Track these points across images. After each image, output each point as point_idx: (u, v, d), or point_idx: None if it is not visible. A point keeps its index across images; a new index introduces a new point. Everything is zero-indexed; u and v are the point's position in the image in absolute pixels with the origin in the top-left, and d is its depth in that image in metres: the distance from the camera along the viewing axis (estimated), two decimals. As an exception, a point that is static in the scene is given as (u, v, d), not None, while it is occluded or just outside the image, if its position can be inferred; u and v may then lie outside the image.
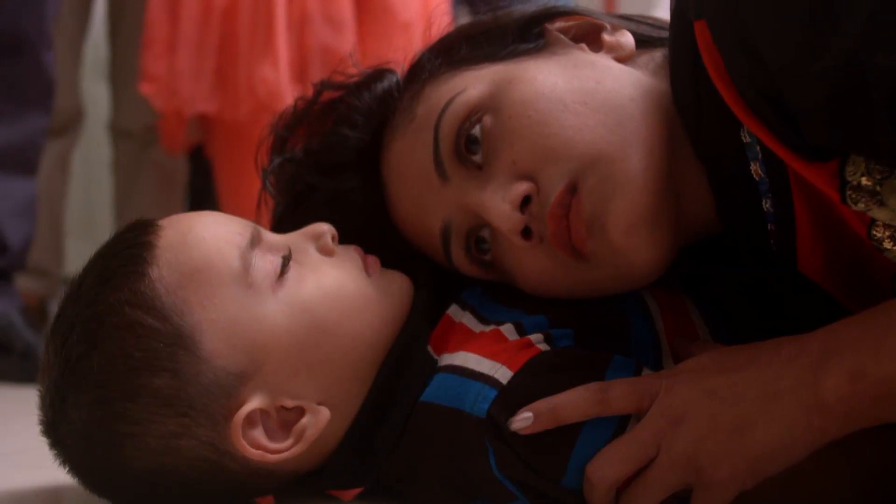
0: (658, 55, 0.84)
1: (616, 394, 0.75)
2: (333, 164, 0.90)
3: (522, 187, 0.77)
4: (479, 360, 0.78)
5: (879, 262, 0.73)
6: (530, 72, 0.81)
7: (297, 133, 0.93)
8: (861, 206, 0.67)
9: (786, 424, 0.70)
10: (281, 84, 2.07)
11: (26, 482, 0.92)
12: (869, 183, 0.67)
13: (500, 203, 0.78)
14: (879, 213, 0.67)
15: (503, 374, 0.77)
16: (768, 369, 0.71)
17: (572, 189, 0.77)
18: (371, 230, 0.89)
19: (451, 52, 0.87)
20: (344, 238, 0.86)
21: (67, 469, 0.79)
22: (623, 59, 0.83)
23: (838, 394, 0.68)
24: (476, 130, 0.80)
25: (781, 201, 0.75)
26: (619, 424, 0.75)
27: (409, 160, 0.85)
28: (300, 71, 2.11)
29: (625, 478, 0.74)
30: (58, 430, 0.78)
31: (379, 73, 0.92)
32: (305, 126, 0.93)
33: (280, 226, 0.91)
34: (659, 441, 0.73)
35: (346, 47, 2.06)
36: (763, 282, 0.86)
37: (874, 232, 0.68)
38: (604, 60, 0.82)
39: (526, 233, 0.78)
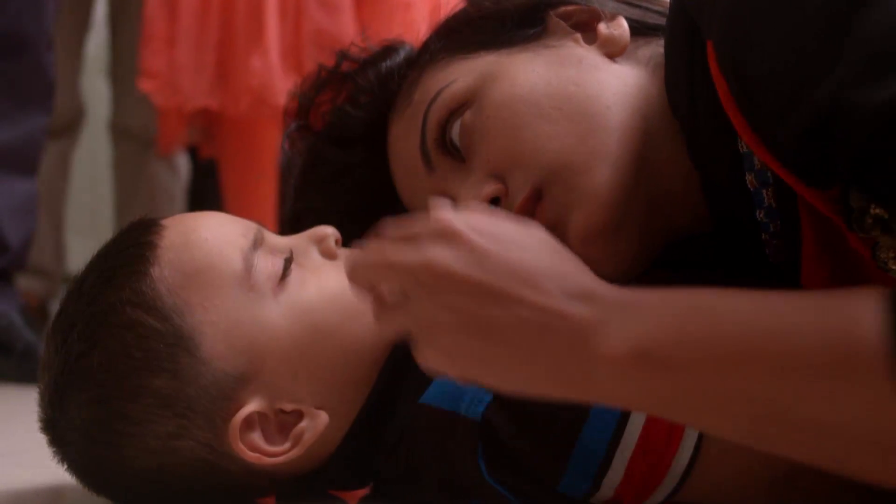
0: (660, 51, 0.84)
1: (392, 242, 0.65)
2: (342, 137, 0.92)
3: (490, 189, 0.78)
4: None
5: (883, 281, 0.72)
6: (514, 69, 0.81)
7: (318, 100, 0.94)
8: (867, 231, 0.66)
9: (532, 364, 0.61)
10: (272, 74, 2.07)
11: (26, 482, 0.92)
12: (878, 211, 0.64)
13: (470, 202, 0.78)
14: (886, 240, 0.64)
15: None
16: (557, 296, 0.61)
17: (537, 195, 0.77)
18: (377, 206, 0.89)
19: (452, 36, 0.87)
20: (354, 213, 0.86)
21: (66, 467, 0.79)
22: (616, 54, 0.82)
23: (611, 365, 0.58)
24: (456, 128, 0.81)
25: (787, 217, 0.74)
26: (617, 425, 0.75)
27: (403, 144, 0.86)
28: (296, 58, 2.10)
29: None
30: (57, 428, 0.78)
31: (385, 52, 0.93)
32: (326, 94, 0.94)
33: (296, 197, 0.92)
34: (415, 281, 0.62)
35: (343, 31, 2.06)
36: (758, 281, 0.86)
37: (879, 254, 0.66)
38: (593, 58, 0.82)
39: None
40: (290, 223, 0.94)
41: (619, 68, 0.81)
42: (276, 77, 2.06)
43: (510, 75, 0.80)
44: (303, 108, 0.95)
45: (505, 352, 0.61)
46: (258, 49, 2.07)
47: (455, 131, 0.81)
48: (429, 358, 0.63)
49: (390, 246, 0.64)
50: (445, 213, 0.63)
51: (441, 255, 0.62)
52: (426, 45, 0.89)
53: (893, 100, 0.56)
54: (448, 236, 0.62)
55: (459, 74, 0.82)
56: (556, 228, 0.76)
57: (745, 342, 0.56)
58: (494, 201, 0.78)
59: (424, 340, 0.63)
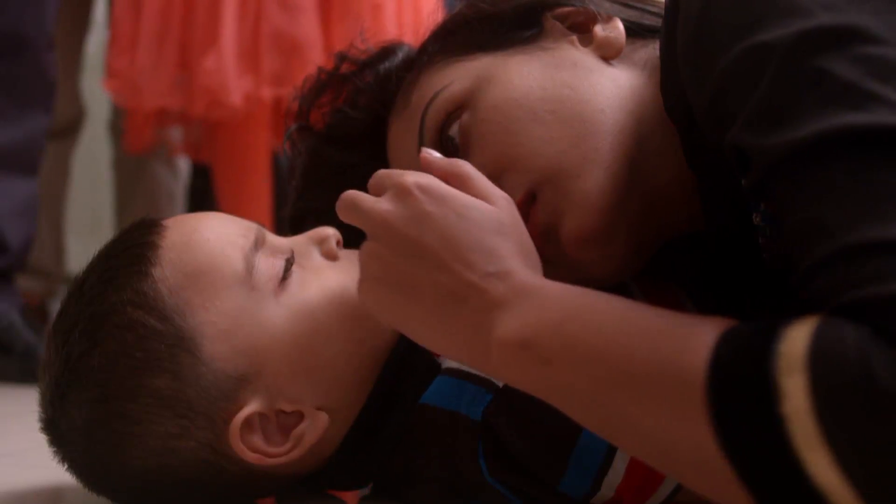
0: (657, 54, 0.84)
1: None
2: (342, 138, 0.92)
3: None
4: None
5: None
6: (510, 71, 0.81)
7: (318, 102, 0.95)
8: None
9: (443, 329, 0.66)
10: (226, 75, 2.07)
11: (26, 482, 0.92)
12: None
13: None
14: None
15: None
16: (473, 271, 0.65)
17: (530, 198, 0.78)
18: None
19: (449, 38, 0.88)
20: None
21: (66, 467, 0.79)
22: (611, 57, 0.83)
23: (501, 348, 0.63)
24: (454, 129, 0.81)
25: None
26: None
27: (401, 145, 0.87)
28: (253, 60, 2.10)
29: None
30: (57, 428, 0.78)
31: (384, 53, 0.93)
32: (326, 96, 0.95)
33: (297, 198, 0.93)
34: (367, 227, 0.70)
35: (303, 33, 2.07)
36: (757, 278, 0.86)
37: None
38: (588, 61, 0.82)
39: None
40: (292, 224, 0.95)
41: (614, 71, 0.81)
42: (230, 78, 2.06)
43: (506, 78, 0.81)
44: (303, 110, 0.95)
45: (420, 311, 0.67)
46: (211, 50, 2.08)
47: (454, 131, 0.81)
48: (363, 299, 0.71)
49: (363, 193, 0.72)
50: (408, 174, 0.70)
51: (387, 208, 0.69)
52: (424, 47, 0.90)
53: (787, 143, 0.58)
54: (402, 193, 0.69)
55: (456, 77, 0.83)
56: (550, 231, 0.78)
57: (600, 349, 0.59)
58: None
59: (362, 282, 0.71)
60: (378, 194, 0.71)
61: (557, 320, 0.62)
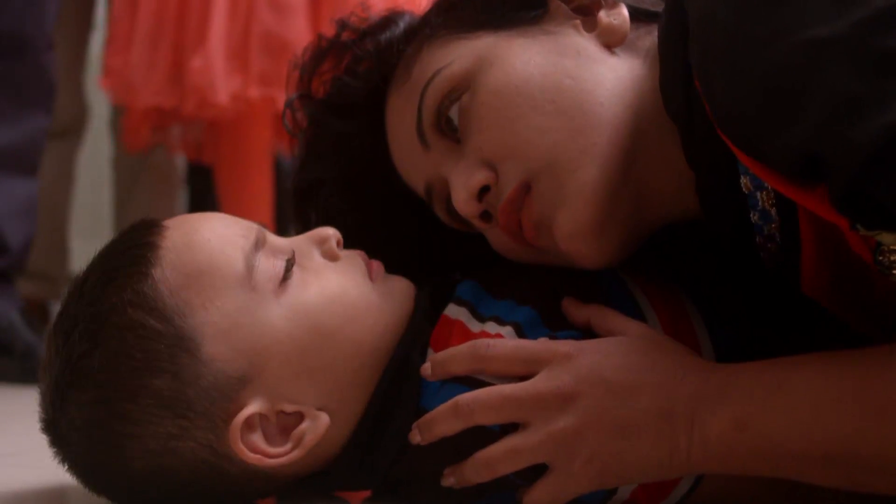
0: None
1: (497, 353, 0.76)
2: (341, 106, 0.92)
3: (481, 177, 0.80)
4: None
5: (884, 287, 0.72)
6: (512, 55, 0.81)
7: (318, 70, 0.95)
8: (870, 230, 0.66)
9: (668, 446, 0.72)
10: (214, 74, 2.07)
11: (27, 483, 0.92)
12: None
13: (460, 189, 0.81)
14: (888, 238, 0.65)
15: (507, 383, 0.76)
16: (668, 387, 0.72)
17: (525, 188, 0.79)
18: (378, 176, 0.91)
19: (452, 13, 0.87)
20: (355, 183, 0.89)
21: (67, 467, 0.79)
22: (615, 44, 0.82)
23: (721, 437, 0.70)
24: (454, 110, 0.82)
25: (786, 223, 0.74)
26: None
27: (400, 119, 0.87)
28: (242, 60, 2.11)
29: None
30: (58, 428, 0.78)
31: (385, 23, 0.93)
32: (327, 64, 0.95)
33: (300, 168, 0.94)
34: (538, 410, 0.74)
35: (294, 34, 2.07)
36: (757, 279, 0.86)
37: (880, 258, 0.66)
38: (591, 49, 0.82)
39: (486, 216, 0.82)
40: (296, 196, 0.95)
41: (616, 62, 0.81)
42: (217, 77, 2.07)
43: (507, 62, 0.81)
44: (304, 78, 0.95)
45: (642, 445, 0.72)
46: (199, 49, 2.08)
47: (454, 112, 0.82)
48: (582, 486, 0.75)
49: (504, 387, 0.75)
50: (530, 350, 0.76)
51: (553, 383, 0.74)
52: (426, 19, 0.89)
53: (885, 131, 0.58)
54: (558, 362, 0.75)
55: (457, 56, 0.83)
56: (542, 223, 0.79)
57: (813, 412, 0.69)
58: (485, 188, 0.81)
59: (572, 475, 0.74)
60: (502, 373, 0.76)
61: (762, 396, 0.69)
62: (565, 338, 0.79)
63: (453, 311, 0.84)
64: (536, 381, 0.74)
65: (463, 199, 0.81)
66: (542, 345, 0.76)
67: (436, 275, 0.91)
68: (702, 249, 0.87)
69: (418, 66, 0.85)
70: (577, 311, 0.80)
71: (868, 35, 0.60)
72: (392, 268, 0.87)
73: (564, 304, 0.80)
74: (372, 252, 0.87)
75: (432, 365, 0.79)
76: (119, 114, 2.43)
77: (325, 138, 0.94)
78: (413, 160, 0.86)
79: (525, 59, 0.81)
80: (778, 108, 0.63)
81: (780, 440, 0.68)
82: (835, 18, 0.61)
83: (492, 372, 0.76)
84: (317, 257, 0.83)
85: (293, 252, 0.81)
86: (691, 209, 0.81)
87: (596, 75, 0.80)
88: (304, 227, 0.93)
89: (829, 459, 0.68)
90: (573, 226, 0.78)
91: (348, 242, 0.86)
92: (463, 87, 0.82)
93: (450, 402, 0.76)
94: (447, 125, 0.82)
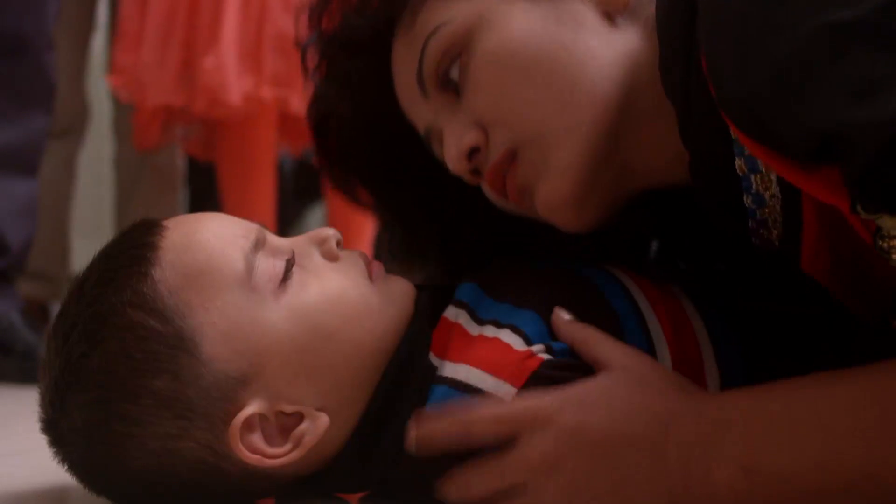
0: None
1: (480, 424, 0.74)
2: (349, 43, 0.92)
3: (470, 139, 0.82)
4: (483, 376, 0.78)
5: (884, 271, 0.72)
6: (511, 19, 0.81)
7: (329, 8, 0.95)
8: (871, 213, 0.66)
9: (666, 499, 0.69)
10: (226, 74, 2.07)
11: (27, 483, 0.92)
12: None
13: (452, 147, 0.83)
14: (889, 222, 0.65)
15: (507, 391, 0.76)
16: (656, 436, 0.70)
17: (511, 155, 0.81)
18: (381, 113, 0.92)
19: None
20: (366, 120, 0.91)
21: (67, 467, 0.79)
22: (617, 13, 0.82)
23: (731, 485, 0.67)
24: (454, 70, 0.83)
25: (788, 203, 0.74)
26: None
27: (403, 64, 0.88)
28: (255, 60, 2.11)
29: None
30: (57, 429, 0.78)
31: None
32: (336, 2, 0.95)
33: (314, 101, 0.95)
34: (528, 478, 0.72)
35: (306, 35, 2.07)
36: (757, 273, 0.86)
37: (880, 242, 0.66)
38: (591, 20, 0.81)
39: (476, 173, 0.84)
40: (315, 129, 0.96)
41: (615, 36, 0.81)
42: (229, 77, 2.07)
43: (506, 26, 0.81)
44: (315, 12, 0.95)
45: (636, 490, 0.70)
46: (211, 49, 2.08)
47: (454, 71, 0.83)
48: None
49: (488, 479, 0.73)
50: (522, 410, 0.74)
51: (545, 444, 0.71)
52: None
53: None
54: (541, 425, 0.72)
55: (459, 13, 0.83)
56: (524, 192, 0.82)
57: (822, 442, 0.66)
58: (475, 149, 0.82)
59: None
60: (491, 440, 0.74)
61: (765, 431, 0.67)
62: (560, 350, 0.79)
63: (452, 313, 0.84)
64: (524, 449, 0.72)
65: (454, 157, 0.83)
66: (521, 406, 0.74)
67: (444, 213, 0.93)
68: (695, 223, 0.88)
69: (424, 14, 0.85)
70: (564, 328, 0.79)
71: (891, 19, 0.60)
72: (402, 207, 0.90)
73: (553, 318, 0.80)
74: (382, 188, 0.89)
75: (417, 441, 0.75)
76: (123, 113, 2.43)
77: (334, 74, 0.94)
78: (415, 105, 0.88)
79: (523, 24, 0.81)
80: (795, 89, 0.63)
81: (793, 478, 0.66)
82: (857, 2, 0.61)
83: (477, 434, 0.74)
84: (317, 257, 0.83)
85: (293, 252, 0.81)
86: (680, 181, 0.82)
87: (592, 50, 0.80)
88: (324, 163, 0.96)
89: (851, 491, 0.65)
90: (553, 198, 0.80)
91: (362, 176, 0.88)
92: (462, 45, 0.82)
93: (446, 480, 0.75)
94: (446, 80, 0.84)
